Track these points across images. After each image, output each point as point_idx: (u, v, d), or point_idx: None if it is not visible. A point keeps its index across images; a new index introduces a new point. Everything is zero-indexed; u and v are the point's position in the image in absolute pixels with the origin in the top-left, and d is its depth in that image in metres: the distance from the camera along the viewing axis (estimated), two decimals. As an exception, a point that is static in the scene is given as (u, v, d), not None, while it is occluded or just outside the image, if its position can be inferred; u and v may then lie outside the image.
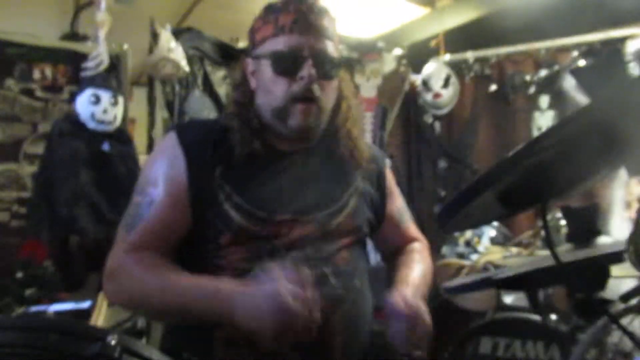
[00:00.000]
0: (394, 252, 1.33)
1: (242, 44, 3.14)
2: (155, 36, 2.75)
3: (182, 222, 1.10)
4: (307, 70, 1.07)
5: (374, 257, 2.99)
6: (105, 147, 2.57)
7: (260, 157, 1.13)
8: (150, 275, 1.05)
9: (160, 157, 1.15)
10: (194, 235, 1.12)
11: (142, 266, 1.06)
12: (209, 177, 1.10)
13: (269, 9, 1.13)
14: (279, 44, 1.09)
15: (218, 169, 1.11)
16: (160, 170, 1.13)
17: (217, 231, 1.09)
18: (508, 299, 2.26)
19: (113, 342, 0.67)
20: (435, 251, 2.24)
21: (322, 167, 1.17)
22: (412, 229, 1.36)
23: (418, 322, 1.07)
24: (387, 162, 1.33)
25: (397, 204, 1.33)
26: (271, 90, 1.11)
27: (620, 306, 1.02)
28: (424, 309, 1.09)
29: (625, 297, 0.99)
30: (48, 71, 2.61)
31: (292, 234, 1.09)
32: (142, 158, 2.65)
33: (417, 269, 1.24)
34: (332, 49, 1.12)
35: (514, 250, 2.78)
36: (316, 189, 1.15)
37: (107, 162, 2.57)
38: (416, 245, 1.34)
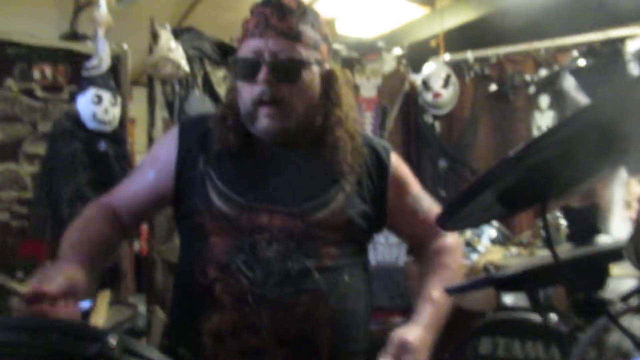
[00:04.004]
0: (421, 247, 1.28)
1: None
2: (155, 36, 2.75)
3: (157, 193, 1.20)
4: (263, 74, 1.08)
5: (374, 257, 2.99)
6: (102, 146, 2.58)
7: (247, 148, 1.16)
8: (80, 224, 1.18)
9: (159, 141, 1.32)
10: (184, 221, 1.19)
11: (85, 215, 1.20)
12: (197, 161, 1.17)
13: (250, 12, 1.15)
14: (243, 49, 1.12)
15: (206, 156, 1.17)
16: (154, 149, 1.32)
17: (200, 215, 1.12)
18: (508, 299, 2.27)
19: (113, 342, 0.67)
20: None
21: (310, 162, 1.17)
22: (434, 215, 1.26)
23: None
24: (393, 154, 1.27)
25: (412, 192, 1.27)
26: (241, 94, 1.14)
27: (620, 306, 1.02)
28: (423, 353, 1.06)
29: (626, 297, 0.99)
30: (48, 71, 2.60)
31: (273, 225, 1.10)
32: (141, 158, 2.66)
33: (442, 287, 1.17)
34: (297, 50, 1.10)
35: (514, 250, 2.78)
36: (301, 181, 1.15)
37: (104, 162, 2.58)
38: (447, 243, 1.26)
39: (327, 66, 1.18)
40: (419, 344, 1.06)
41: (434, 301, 1.15)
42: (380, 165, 1.23)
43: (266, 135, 1.14)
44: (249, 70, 1.10)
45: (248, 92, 1.11)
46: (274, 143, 1.16)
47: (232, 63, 1.18)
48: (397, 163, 1.27)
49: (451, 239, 1.27)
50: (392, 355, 1.03)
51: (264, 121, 1.11)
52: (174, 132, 1.23)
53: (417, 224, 1.26)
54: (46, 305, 0.92)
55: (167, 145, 1.21)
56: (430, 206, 1.28)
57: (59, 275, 0.96)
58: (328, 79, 1.18)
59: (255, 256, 1.08)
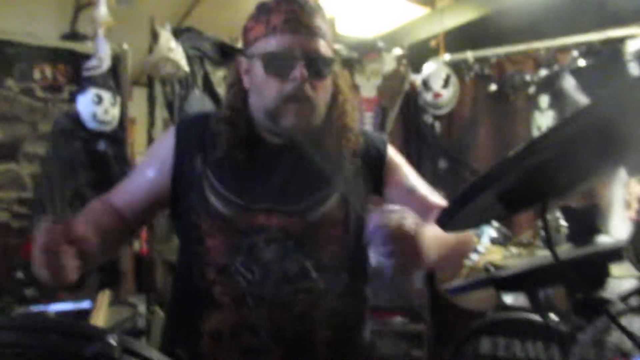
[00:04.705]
0: None
1: (241, 43, 3.14)
2: (155, 36, 2.75)
3: (156, 192, 1.19)
4: (299, 70, 1.07)
5: (375, 258, 2.99)
6: (102, 146, 2.59)
7: (247, 148, 1.15)
8: (81, 215, 1.17)
9: (157, 140, 1.27)
10: (180, 221, 1.19)
11: (88, 210, 1.20)
12: (194, 160, 1.16)
13: (261, 8, 1.13)
14: (271, 44, 1.09)
15: (204, 155, 1.16)
16: (153, 148, 1.33)
17: (198, 215, 1.12)
18: (508, 299, 2.26)
19: (113, 342, 0.67)
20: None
21: (309, 160, 1.16)
22: (433, 198, 1.23)
23: (407, 243, 0.92)
24: (389, 147, 1.26)
25: (408, 175, 1.25)
26: (263, 90, 1.12)
27: (620, 306, 1.02)
28: (421, 237, 0.94)
29: (625, 297, 1.00)
30: (48, 71, 2.61)
31: (271, 225, 1.09)
32: (141, 159, 2.67)
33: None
34: (324, 47, 1.11)
35: (514, 250, 2.78)
36: (299, 180, 1.14)
37: (103, 163, 2.59)
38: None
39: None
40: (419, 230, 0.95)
41: (436, 231, 1.01)
42: (376, 157, 1.23)
43: (290, 132, 1.13)
44: (281, 66, 1.09)
45: (276, 88, 1.09)
46: (290, 140, 1.15)
47: (259, 57, 1.11)
48: (393, 153, 1.27)
49: None
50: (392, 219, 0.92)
51: (291, 118, 1.10)
52: (172, 131, 1.22)
53: (414, 203, 1.18)
54: (60, 243, 0.93)
55: (165, 144, 1.20)
56: (428, 190, 1.24)
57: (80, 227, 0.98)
58: (333, 76, 1.18)
59: (254, 257, 1.07)
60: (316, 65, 1.10)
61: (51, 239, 0.93)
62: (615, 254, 0.98)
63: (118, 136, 2.67)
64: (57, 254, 0.93)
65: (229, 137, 1.14)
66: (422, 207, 1.18)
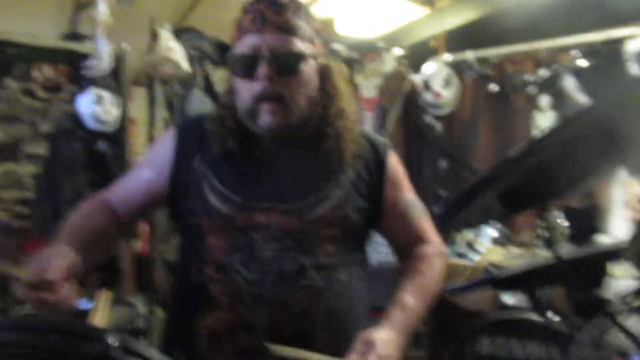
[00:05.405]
0: (404, 253, 1.26)
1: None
2: (155, 36, 2.76)
3: (153, 191, 1.20)
4: (263, 69, 1.08)
5: (374, 257, 2.99)
6: (102, 146, 2.59)
7: (244, 147, 1.16)
8: (76, 216, 1.19)
9: (157, 140, 1.34)
10: (180, 221, 1.19)
11: (82, 209, 1.21)
12: (193, 160, 1.16)
13: (241, 11, 1.14)
14: (239, 46, 1.11)
15: (202, 155, 1.16)
16: (152, 149, 1.34)
17: (197, 215, 1.12)
18: (508, 299, 2.26)
19: (113, 342, 0.67)
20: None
21: (308, 158, 1.16)
22: (423, 224, 1.26)
23: None
24: (392, 153, 1.25)
25: (404, 195, 1.25)
26: (239, 92, 1.13)
27: (620, 306, 1.02)
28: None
29: (625, 297, 1.00)
30: (48, 71, 2.61)
31: (270, 223, 1.09)
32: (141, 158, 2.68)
33: (414, 293, 1.16)
34: (295, 43, 1.10)
35: (515, 250, 2.78)
36: (298, 179, 1.14)
37: (103, 163, 2.59)
38: (426, 251, 1.23)
39: (323, 60, 1.17)
40: (386, 343, 1.02)
41: (404, 306, 1.12)
42: (378, 159, 1.22)
43: (268, 132, 1.13)
44: (247, 66, 1.09)
45: (247, 89, 1.10)
46: (272, 140, 1.15)
47: (229, 61, 1.16)
48: (395, 163, 1.26)
49: (432, 248, 1.25)
50: (357, 353, 0.99)
51: (265, 118, 1.10)
52: (172, 133, 1.22)
53: (404, 229, 1.24)
54: (48, 293, 0.96)
55: (165, 146, 1.21)
56: (420, 214, 1.26)
57: (57, 258, 1.00)
58: (324, 73, 1.17)
59: (252, 255, 1.07)
60: (284, 62, 1.09)
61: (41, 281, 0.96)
62: (615, 254, 0.98)
63: (118, 136, 2.67)
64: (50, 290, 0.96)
65: (220, 133, 1.15)
66: (410, 236, 1.24)
